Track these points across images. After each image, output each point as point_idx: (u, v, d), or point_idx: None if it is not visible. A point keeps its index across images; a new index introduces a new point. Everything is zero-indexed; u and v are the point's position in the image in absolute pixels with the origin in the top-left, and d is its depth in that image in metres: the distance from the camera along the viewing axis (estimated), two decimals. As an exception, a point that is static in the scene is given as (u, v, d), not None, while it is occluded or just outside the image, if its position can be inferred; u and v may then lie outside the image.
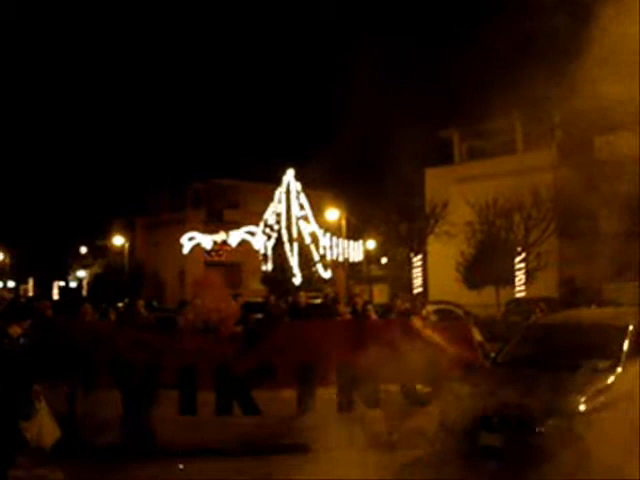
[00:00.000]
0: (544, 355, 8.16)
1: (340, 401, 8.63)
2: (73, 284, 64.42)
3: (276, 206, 34.84)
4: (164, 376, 8.61)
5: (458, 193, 34.15)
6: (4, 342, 7.36)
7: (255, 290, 34.82)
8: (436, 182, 36.87)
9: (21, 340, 7.58)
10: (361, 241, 37.11)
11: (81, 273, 62.33)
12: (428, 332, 9.04)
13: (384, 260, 44.73)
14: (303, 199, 34.44)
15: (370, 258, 43.05)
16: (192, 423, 8.58)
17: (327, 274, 33.99)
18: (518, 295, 30.87)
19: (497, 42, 30.95)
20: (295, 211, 34.27)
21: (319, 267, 33.98)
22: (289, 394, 8.64)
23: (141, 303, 11.92)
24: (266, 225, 35.13)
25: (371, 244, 41.17)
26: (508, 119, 35.41)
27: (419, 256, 34.48)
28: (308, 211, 34.32)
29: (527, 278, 31.37)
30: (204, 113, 72.66)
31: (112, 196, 54.33)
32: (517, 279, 31.44)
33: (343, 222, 37.33)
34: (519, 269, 31.61)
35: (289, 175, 34.68)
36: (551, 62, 30.51)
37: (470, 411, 7.30)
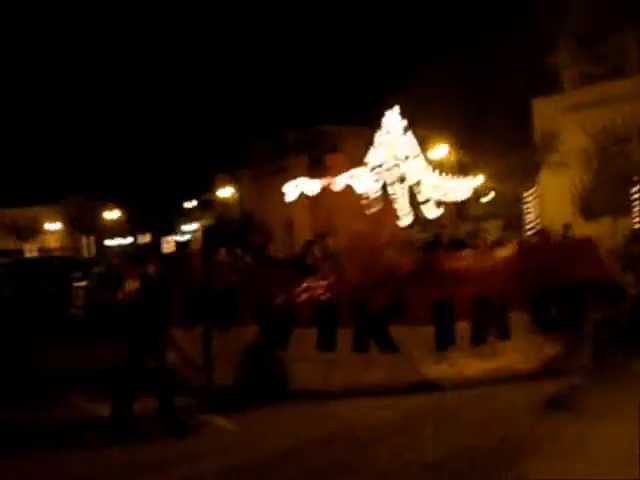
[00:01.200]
0: None
1: (474, 335, 8.51)
2: (183, 237, 66.56)
3: (379, 147, 34.55)
4: (300, 315, 8.76)
5: (569, 122, 32.96)
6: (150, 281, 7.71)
7: (359, 233, 34.86)
8: (545, 111, 35.59)
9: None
10: (470, 177, 36.39)
11: (191, 226, 64.25)
12: None
13: (491, 195, 43.82)
14: (409, 137, 33.98)
15: (478, 194, 42.26)
16: (330, 360, 8.65)
17: (437, 212, 33.64)
18: (638, 225, 29.77)
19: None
20: (400, 151, 33.92)
21: (429, 206, 33.63)
22: (427, 330, 8.55)
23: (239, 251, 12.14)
24: (372, 167, 34.98)
25: (479, 180, 40.29)
26: (620, 39, 33.74)
27: (532, 189, 33.65)
28: (415, 149, 33.85)
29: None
30: (294, 62, 72.46)
31: (213, 151, 55.50)
32: (637, 208, 30.29)
33: (452, 158, 36.70)
34: (638, 198, 30.42)
35: (393, 114, 34.21)
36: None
37: (631, 335, 7.25)
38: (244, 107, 66.50)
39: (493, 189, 42.25)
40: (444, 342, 8.35)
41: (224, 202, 53.50)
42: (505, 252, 10.09)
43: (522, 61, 31.91)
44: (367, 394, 8.18)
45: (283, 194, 39.27)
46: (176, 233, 66.96)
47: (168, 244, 60.73)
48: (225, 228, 49.22)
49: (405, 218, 33.96)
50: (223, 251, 11.49)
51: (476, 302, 8.61)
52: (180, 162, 59.52)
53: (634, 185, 30.52)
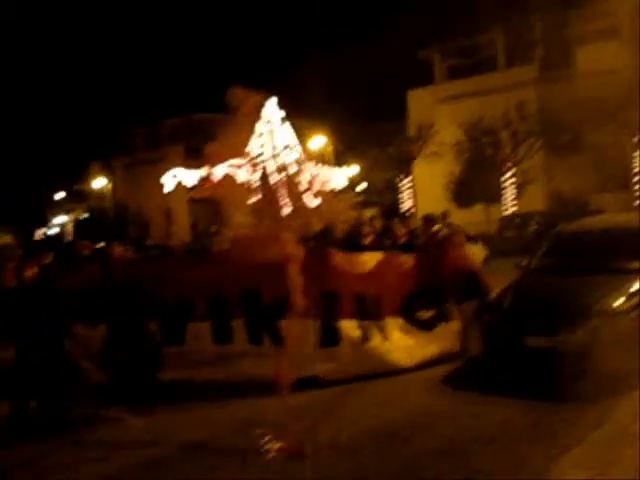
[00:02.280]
0: (577, 260, 8.40)
1: (359, 333, 8.44)
2: (53, 231, 63.89)
3: (259, 137, 34.57)
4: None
5: (442, 113, 34.11)
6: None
7: (240, 224, 34.81)
8: (419, 103, 36.66)
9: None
10: (345, 167, 37.01)
11: (61, 219, 61.77)
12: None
13: (364, 185, 44.80)
14: (287, 127, 34.18)
15: (354, 184, 43.03)
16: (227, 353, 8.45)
17: (316, 202, 34.05)
18: (507, 211, 31.29)
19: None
20: (279, 140, 34.08)
21: (308, 196, 33.99)
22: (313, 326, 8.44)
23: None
24: (251, 157, 34.93)
25: (354, 170, 41.09)
26: (488, 35, 35.18)
27: (408, 178, 34.62)
28: (293, 139, 34.08)
29: (517, 194, 31.75)
30: (173, 48, 70.91)
31: (86, 139, 53.38)
32: (506, 195, 31.80)
33: (329, 149, 37.18)
34: (508, 185, 31.94)
35: (271, 104, 34.30)
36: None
37: (514, 317, 7.59)
38: (118, 94, 64.31)
39: (364, 179, 43.29)
40: (329, 338, 8.35)
41: (97, 193, 51.74)
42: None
43: (397, 56, 32.69)
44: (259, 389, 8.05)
45: (160, 184, 38.62)
46: (46, 226, 64.18)
47: (36, 238, 58.16)
48: (98, 220, 47.58)
49: (285, 208, 34.28)
50: (118, 247, 11.05)
51: (358, 301, 8.61)
52: (49, 151, 56.94)
53: (503, 174, 32.01)
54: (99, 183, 50.80)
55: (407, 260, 9.03)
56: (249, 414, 7.34)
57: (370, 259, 8.93)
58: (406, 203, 34.81)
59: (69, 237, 54.14)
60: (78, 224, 54.09)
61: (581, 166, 31.19)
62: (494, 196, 31.23)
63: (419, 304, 8.71)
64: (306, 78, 35.18)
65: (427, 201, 35.20)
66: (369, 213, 42.63)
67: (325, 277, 8.35)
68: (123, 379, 8.13)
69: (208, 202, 40.52)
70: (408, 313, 8.64)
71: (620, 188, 31.85)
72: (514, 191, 32.17)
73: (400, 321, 8.54)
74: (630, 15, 28.83)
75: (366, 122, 34.13)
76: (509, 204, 32.03)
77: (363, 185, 45.32)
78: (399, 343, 8.42)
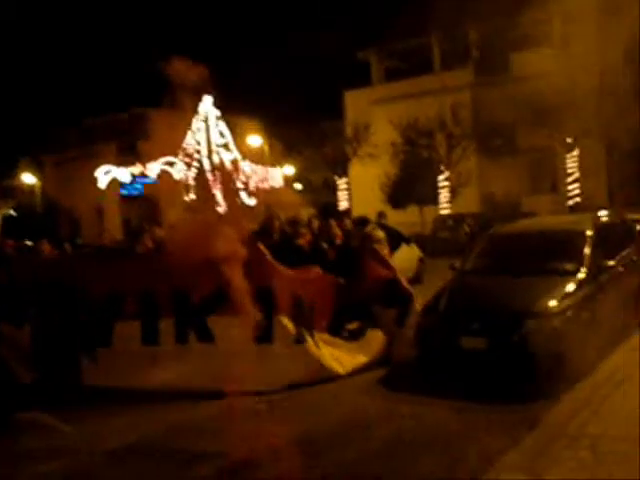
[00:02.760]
0: (510, 262, 8.46)
1: (298, 333, 8.30)
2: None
3: (195, 134, 34.07)
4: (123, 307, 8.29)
5: (379, 114, 34.29)
6: None
7: (174, 222, 34.26)
8: (356, 105, 36.81)
9: None
10: (279, 167, 36.84)
11: (-12, 215, 59.76)
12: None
13: (299, 186, 44.72)
14: (223, 126, 33.80)
15: (289, 184, 42.84)
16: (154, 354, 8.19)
17: (251, 202, 33.78)
18: (442, 212, 31.63)
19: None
20: (215, 139, 33.65)
21: (243, 195, 33.70)
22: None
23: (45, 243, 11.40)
24: (186, 154, 34.40)
25: (290, 170, 40.98)
26: (424, 38, 35.55)
27: (344, 179, 34.67)
28: (229, 138, 33.75)
29: (451, 196, 32.14)
30: (108, 42, 69.43)
31: (16, 134, 51.81)
32: (441, 196, 32.15)
33: (266, 148, 36.94)
34: (442, 187, 32.29)
35: (207, 102, 33.85)
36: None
37: (449, 318, 7.56)
38: (50, 89, 62.67)
39: (300, 179, 43.24)
40: (264, 334, 8.17)
41: (25, 189, 50.22)
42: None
43: (335, 57, 32.77)
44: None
45: (91, 181, 37.61)
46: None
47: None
48: (27, 217, 46.20)
49: (220, 206, 33.89)
50: (47, 244, 10.65)
51: (294, 302, 8.47)
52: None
53: (438, 176, 32.35)
54: (28, 179, 49.31)
55: (337, 280, 8.92)
56: (180, 419, 7.11)
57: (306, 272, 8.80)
58: (342, 203, 34.85)
59: (-5, 234, 52.47)
60: (5, 221, 52.44)
61: (513, 169, 31.82)
62: (429, 197, 31.54)
63: (344, 318, 8.63)
64: (243, 76, 34.88)
65: (362, 201, 35.37)
66: (306, 213, 42.52)
67: (262, 273, 8.17)
68: (50, 381, 7.84)
69: (140, 199, 40.11)
70: (335, 329, 8.52)
71: (551, 191, 32.65)
72: (448, 193, 32.56)
73: (326, 336, 8.40)
74: (562, 22, 29.59)
75: (303, 122, 34.05)
76: (443, 206, 32.40)
77: (298, 185, 45.37)
78: (328, 353, 8.27)
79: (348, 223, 11.99)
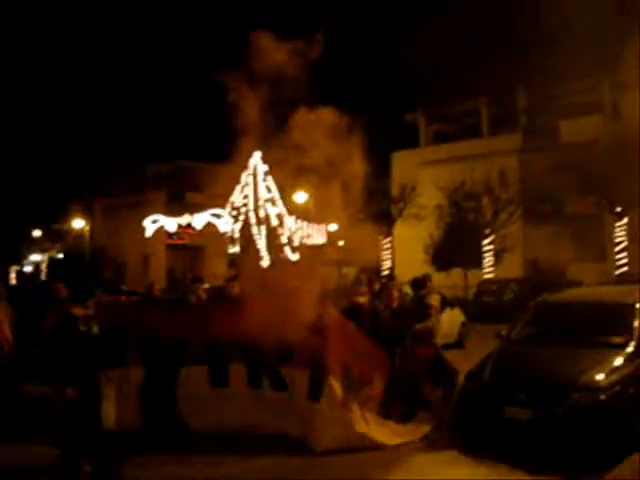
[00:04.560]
0: (558, 332, 8.35)
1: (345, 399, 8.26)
2: (28, 268, 63.01)
3: (243, 188, 34.64)
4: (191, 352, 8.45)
5: (425, 176, 34.48)
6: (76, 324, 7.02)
7: (217, 274, 34.54)
8: (403, 165, 37.09)
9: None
10: (324, 224, 37.08)
11: (37, 257, 61.04)
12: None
13: (341, 243, 44.75)
14: (270, 181, 34.32)
15: (332, 241, 42.99)
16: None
17: (295, 257, 33.99)
18: (485, 276, 31.39)
19: (461, 25, 31.28)
20: (262, 193, 34.15)
21: (287, 250, 33.96)
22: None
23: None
24: (233, 207, 34.92)
25: (335, 227, 41.15)
26: (473, 102, 35.88)
27: (388, 238, 34.70)
28: (275, 193, 34.24)
29: (494, 260, 31.93)
30: (163, 93, 71.50)
31: (68, 178, 53.15)
32: (485, 260, 31.94)
33: (311, 205, 37.29)
34: (487, 251, 32.11)
35: (256, 157, 34.49)
36: (516, 47, 31.06)
37: (494, 387, 7.48)
38: (103, 136, 64.44)
39: (340, 238, 43.38)
40: (316, 392, 8.17)
41: (75, 233, 51.26)
42: None
43: (383, 118, 33.14)
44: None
45: (139, 228, 38.34)
46: (23, 263, 63.32)
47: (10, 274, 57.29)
48: (72, 261, 46.99)
49: (264, 260, 34.11)
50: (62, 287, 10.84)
51: (345, 370, 8.48)
52: (29, 187, 56.52)
53: (484, 239, 32.21)
54: (77, 223, 50.39)
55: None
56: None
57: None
58: (385, 263, 34.82)
59: (43, 276, 53.46)
60: (51, 264, 53.44)
61: (559, 235, 31.56)
62: (473, 261, 31.36)
63: (394, 400, 8.53)
64: (289, 133, 35.45)
65: (406, 263, 35.31)
66: (347, 271, 42.57)
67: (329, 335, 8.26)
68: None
69: (186, 249, 40.34)
70: (385, 412, 8.41)
71: (597, 259, 32.20)
72: (492, 257, 32.35)
73: (375, 417, 8.30)
74: (611, 88, 29.65)
75: (349, 182, 34.23)
76: (487, 270, 32.16)
77: (341, 242, 45.40)
78: (376, 428, 8.16)
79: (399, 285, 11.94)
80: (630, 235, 30.30)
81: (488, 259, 32.14)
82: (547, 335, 8.46)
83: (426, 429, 8.24)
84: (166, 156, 47.92)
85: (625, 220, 30.40)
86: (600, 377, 7.22)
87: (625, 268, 30.19)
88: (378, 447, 7.76)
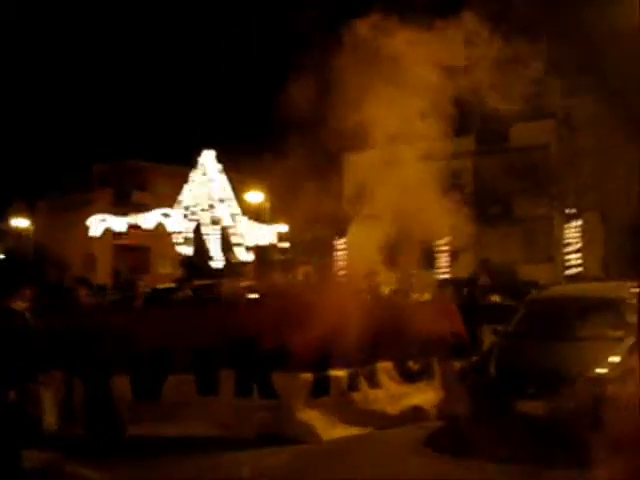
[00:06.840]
0: (556, 327, 8.46)
1: (350, 383, 8.33)
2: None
3: (194, 188, 34.19)
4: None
5: (379, 177, 34.53)
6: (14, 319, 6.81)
7: (163, 275, 33.96)
8: (356, 166, 37.11)
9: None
10: (275, 225, 36.81)
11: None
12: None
13: (286, 244, 44.49)
14: (224, 181, 33.97)
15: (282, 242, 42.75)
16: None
17: (249, 257, 33.75)
18: (442, 276, 31.70)
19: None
20: (215, 193, 33.74)
21: (241, 250, 33.69)
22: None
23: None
24: (185, 207, 34.43)
25: (285, 227, 40.95)
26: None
27: (342, 239, 34.71)
28: (229, 193, 33.95)
29: (450, 260, 32.28)
30: (110, 93, 70.25)
31: (9, 178, 51.80)
32: (440, 260, 32.27)
33: (267, 205, 37.13)
34: (442, 251, 32.43)
35: (208, 156, 34.10)
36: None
37: (502, 381, 7.50)
38: (50, 134, 62.95)
39: (287, 239, 43.15)
40: (320, 389, 8.12)
41: (17, 233, 49.86)
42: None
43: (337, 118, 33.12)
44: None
45: (85, 228, 37.42)
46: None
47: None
48: (17, 261, 45.74)
49: (216, 261, 33.71)
50: (83, 289, 10.53)
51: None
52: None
53: (438, 239, 32.47)
54: (22, 223, 49.05)
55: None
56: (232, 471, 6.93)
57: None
58: (340, 262, 34.87)
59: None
60: (-5, 264, 51.84)
61: (510, 236, 32.08)
62: (428, 261, 31.57)
63: (410, 353, 8.71)
64: (246, 133, 35.25)
65: (359, 262, 35.21)
66: (302, 270, 42.47)
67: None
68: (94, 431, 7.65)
69: (132, 250, 39.63)
70: (401, 361, 8.61)
71: (546, 260, 32.84)
72: (448, 257, 32.70)
73: (389, 366, 8.48)
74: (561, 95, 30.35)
75: (304, 181, 34.17)
76: (442, 270, 32.47)
77: (286, 244, 45.07)
78: (384, 392, 8.29)
79: None
80: (587, 236, 30.93)
81: (444, 260, 32.45)
82: (545, 329, 8.57)
83: (425, 399, 8.37)
84: (113, 155, 47.15)
85: (579, 222, 31.07)
86: (607, 368, 7.36)
87: (579, 269, 30.80)
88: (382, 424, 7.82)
